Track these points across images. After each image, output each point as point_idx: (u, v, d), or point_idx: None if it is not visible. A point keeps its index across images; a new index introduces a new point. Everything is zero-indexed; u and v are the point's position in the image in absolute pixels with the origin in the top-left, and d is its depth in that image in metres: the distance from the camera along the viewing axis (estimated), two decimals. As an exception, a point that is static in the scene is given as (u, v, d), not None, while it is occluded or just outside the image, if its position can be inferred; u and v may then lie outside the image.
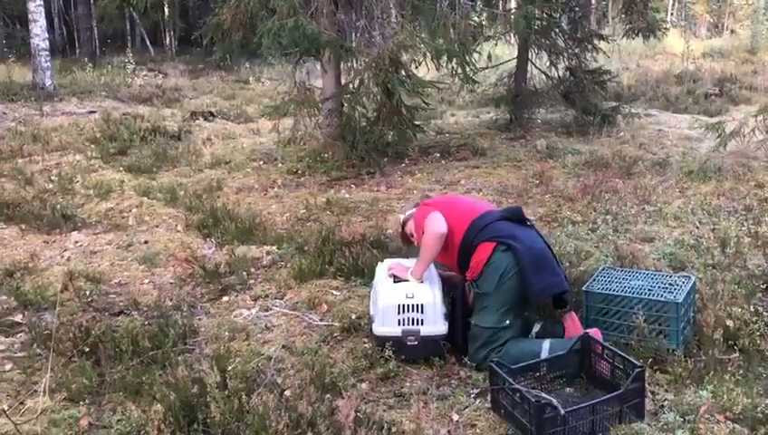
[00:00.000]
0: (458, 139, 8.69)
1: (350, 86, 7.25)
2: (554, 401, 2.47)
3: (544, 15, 8.92)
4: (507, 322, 3.15)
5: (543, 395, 2.52)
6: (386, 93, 6.88)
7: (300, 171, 7.07)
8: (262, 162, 7.55)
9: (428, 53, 7.13)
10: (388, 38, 6.92)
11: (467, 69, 7.23)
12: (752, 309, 3.53)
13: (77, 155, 7.59)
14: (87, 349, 3.25)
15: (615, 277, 3.60)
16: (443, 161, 7.63)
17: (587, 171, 6.67)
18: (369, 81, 6.96)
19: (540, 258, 3.21)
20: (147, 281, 4.35)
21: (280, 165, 7.37)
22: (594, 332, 3.11)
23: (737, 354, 3.18)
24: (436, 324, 3.26)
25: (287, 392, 2.93)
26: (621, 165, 6.85)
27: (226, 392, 2.70)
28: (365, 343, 3.43)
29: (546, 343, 3.09)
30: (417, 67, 7.65)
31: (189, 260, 4.41)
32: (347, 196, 6.23)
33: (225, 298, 4.05)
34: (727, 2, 25.49)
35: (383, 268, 3.57)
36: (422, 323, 3.24)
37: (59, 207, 5.61)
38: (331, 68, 7.49)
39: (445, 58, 7.22)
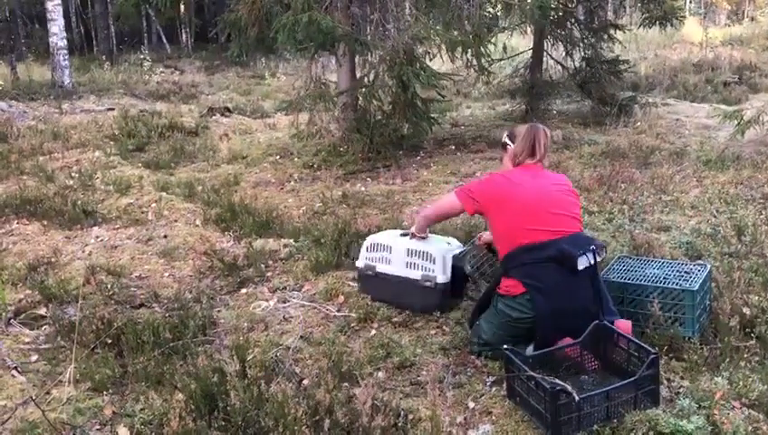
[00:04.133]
0: (474, 131, 8.70)
1: (365, 80, 7.28)
2: (569, 388, 2.49)
3: (560, 6, 8.89)
4: (505, 345, 2.99)
5: (558, 382, 2.54)
6: (401, 86, 6.89)
7: (316, 165, 7.12)
8: (278, 157, 7.61)
9: (443, 45, 7.14)
10: (402, 31, 6.93)
11: (482, 60, 7.23)
12: (768, 297, 3.54)
13: (96, 152, 7.70)
14: (109, 340, 3.32)
15: (631, 266, 3.61)
16: (458, 153, 7.65)
17: (603, 162, 6.65)
18: (383, 74, 6.99)
19: (560, 321, 3.01)
20: (167, 274, 4.42)
21: (296, 159, 7.42)
22: (624, 324, 3.05)
23: (754, 341, 3.18)
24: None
25: (305, 381, 2.99)
26: (638, 155, 6.82)
27: (246, 381, 2.75)
28: (382, 332, 3.47)
29: (530, 347, 3.08)
30: (431, 59, 7.66)
31: (208, 253, 4.48)
32: (363, 189, 6.27)
33: (243, 290, 4.11)
34: (747, -11, 25.17)
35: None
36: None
37: (79, 203, 5.70)
38: (346, 62, 7.51)
39: (459, 50, 7.24)
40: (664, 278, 3.39)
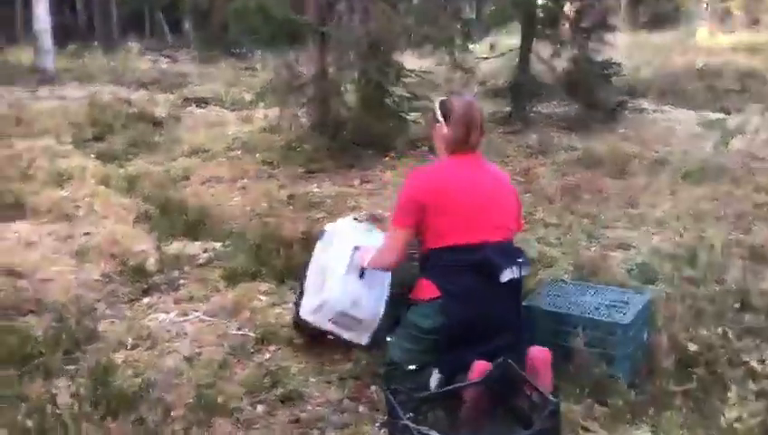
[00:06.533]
0: (452, 132, 8.29)
1: (330, 73, 6.90)
2: (441, 442, 2.11)
3: (549, 4, 8.46)
4: (413, 367, 2.64)
5: (433, 433, 2.16)
6: (368, 82, 6.53)
7: (275, 162, 6.75)
8: (240, 151, 7.24)
9: (414, 41, 6.76)
10: (370, 23, 6.53)
11: (456, 56, 6.83)
12: (719, 331, 3.13)
13: (51, 140, 7.36)
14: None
15: (564, 292, 3.19)
16: (431, 156, 7.24)
17: (577, 169, 6.23)
18: (350, 68, 6.62)
19: (471, 332, 2.61)
20: (73, 277, 4.05)
21: (257, 155, 7.04)
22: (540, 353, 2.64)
23: (694, 384, 2.78)
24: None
25: (174, 412, 2.63)
26: (615, 163, 6.39)
27: (88, 413, 2.40)
28: (277, 356, 3.11)
29: (436, 372, 2.62)
30: (402, 54, 7.27)
31: (116, 255, 4.11)
32: (316, 189, 5.89)
33: (146, 299, 3.73)
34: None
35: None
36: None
37: (12, 194, 5.36)
38: (313, 54, 7.12)
39: (432, 47, 6.86)
40: (595, 308, 2.99)
